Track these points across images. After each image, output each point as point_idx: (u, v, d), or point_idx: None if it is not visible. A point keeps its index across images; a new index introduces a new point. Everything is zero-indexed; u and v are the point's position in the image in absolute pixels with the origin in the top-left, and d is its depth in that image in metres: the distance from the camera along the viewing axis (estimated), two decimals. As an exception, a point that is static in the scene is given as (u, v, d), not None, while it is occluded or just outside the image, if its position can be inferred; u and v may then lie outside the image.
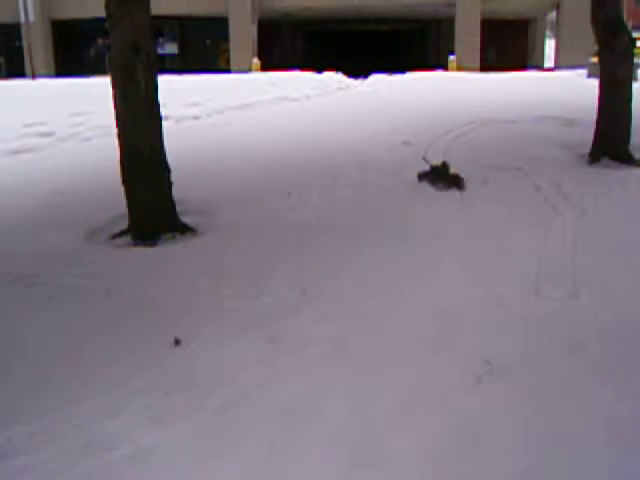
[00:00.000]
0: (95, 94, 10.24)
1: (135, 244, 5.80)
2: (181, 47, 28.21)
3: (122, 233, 5.97)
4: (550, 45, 28.94)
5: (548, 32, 32.05)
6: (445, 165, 7.24)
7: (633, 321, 4.11)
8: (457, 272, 4.92)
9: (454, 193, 6.86)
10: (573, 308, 4.31)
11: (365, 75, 17.76)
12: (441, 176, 7.13)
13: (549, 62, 28.23)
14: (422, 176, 7.23)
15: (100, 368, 3.69)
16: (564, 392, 3.35)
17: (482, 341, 3.87)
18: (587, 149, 8.03)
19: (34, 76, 21.09)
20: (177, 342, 3.91)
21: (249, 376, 3.56)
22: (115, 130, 5.91)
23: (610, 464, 2.83)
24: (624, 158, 7.71)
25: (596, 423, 3.09)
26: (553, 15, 26.86)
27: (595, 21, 7.98)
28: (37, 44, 24.32)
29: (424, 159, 7.46)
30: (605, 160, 7.75)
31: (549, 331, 3.99)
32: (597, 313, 4.20)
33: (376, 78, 17.38)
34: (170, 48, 27.58)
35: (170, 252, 5.57)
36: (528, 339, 3.90)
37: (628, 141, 7.85)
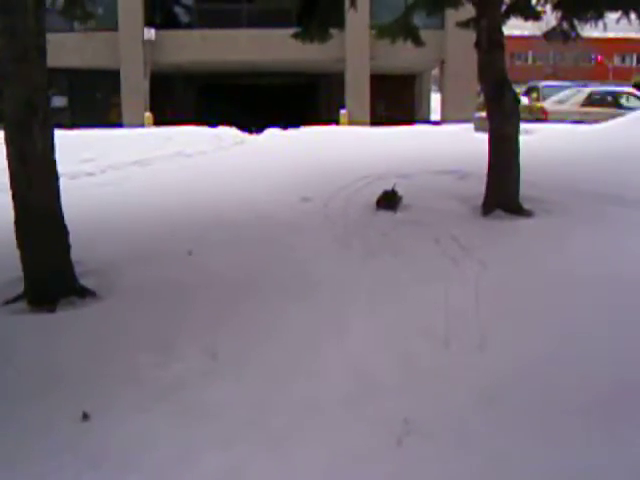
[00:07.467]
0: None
1: (32, 310, 5.52)
2: (70, 100, 27.57)
3: (17, 298, 5.69)
4: (436, 99, 30.10)
5: (433, 86, 33.34)
6: (394, 192, 8.43)
7: (534, 373, 4.22)
8: (367, 329, 4.95)
9: (357, 251, 6.91)
10: (481, 361, 4.41)
11: (260, 129, 17.84)
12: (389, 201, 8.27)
13: (435, 115, 29.34)
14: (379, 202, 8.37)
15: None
16: (478, 448, 3.40)
17: (398, 399, 3.89)
18: (480, 201, 8.31)
19: None
20: (85, 416, 3.72)
21: (162, 453, 3.42)
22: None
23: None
24: (515, 209, 8.02)
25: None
26: (437, 70, 28.05)
27: (483, 80, 8.37)
28: None
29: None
30: (498, 211, 8.04)
31: (461, 385, 4.07)
32: (503, 365, 4.31)
33: (271, 133, 17.46)
34: (59, 101, 26.86)
35: (70, 318, 5.33)
36: (442, 395, 3.95)
37: (518, 193, 8.19)
